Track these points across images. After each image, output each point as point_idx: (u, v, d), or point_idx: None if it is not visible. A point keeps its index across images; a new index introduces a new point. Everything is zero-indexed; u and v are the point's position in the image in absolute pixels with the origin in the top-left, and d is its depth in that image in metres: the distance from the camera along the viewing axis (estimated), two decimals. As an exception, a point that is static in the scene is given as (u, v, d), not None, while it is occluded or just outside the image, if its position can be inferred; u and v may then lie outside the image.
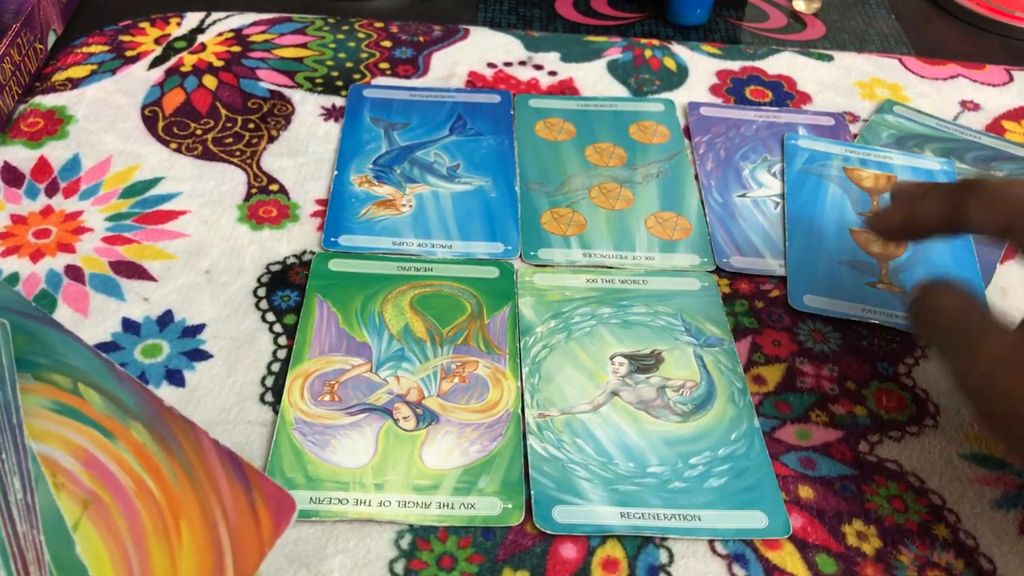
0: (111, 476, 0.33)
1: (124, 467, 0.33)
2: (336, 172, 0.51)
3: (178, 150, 0.52)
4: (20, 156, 0.51)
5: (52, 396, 0.34)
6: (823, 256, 0.49)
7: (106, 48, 0.59)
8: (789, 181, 0.53)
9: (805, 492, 0.39)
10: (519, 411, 0.41)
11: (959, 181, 0.41)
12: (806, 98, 0.60)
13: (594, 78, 0.60)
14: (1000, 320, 0.36)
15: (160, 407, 0.33)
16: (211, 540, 0.31)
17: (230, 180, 0.51)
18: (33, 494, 0.32)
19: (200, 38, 0.60)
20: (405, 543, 0.36)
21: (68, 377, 0.34)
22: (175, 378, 0.41)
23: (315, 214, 0.49)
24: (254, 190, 0.50)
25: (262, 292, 0.45)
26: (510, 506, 0.37)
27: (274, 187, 0.51)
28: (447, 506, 0.37)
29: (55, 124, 0.53)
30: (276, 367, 0.42)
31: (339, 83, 0.58)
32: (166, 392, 0.41)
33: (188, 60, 0.58)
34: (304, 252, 0.47)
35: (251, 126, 0.54)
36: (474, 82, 0.59)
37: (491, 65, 0.60)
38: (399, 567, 0.36)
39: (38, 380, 0.34)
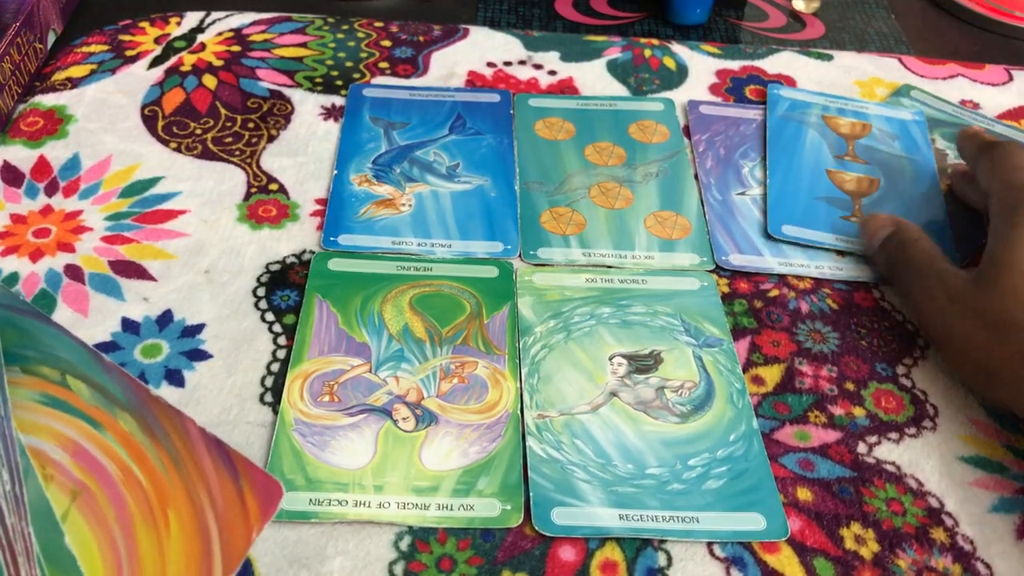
0: (99, 466, 0.33)
1: (112, 457, 0.33)
2: (336, 171, 0.51)
3: (178, 149, 0.52)
4: (20, 156, 0.51)
5: (40, 388, 0.34)
6: (801, 192, 0.52)
7: (106, 48, 0.59)
8: (771, 126, 0.56)
9: (803, 494, 0.39)
10: (518, 412, 0.41)
11: (988, 141, 0.48)
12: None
13: (594, 77, 0.60)
14: (951, 265, 0.44)
15: (147, 396, 0.33)
16: (199, 527, 0.32)
17: (230, 179, 0.51)
18: (22, 486, 0.32)
19: (200, 38, 0.60)
20: (404, 545, 0.36)
21: (56, 369, 0.34)
22: (175, 378, 0.41)
23: (315, 213, 0.49)
24: (254, 189, 0.50)
25: (262, 292, 0.45)
26: (509, 508, 0.37)
27: (274, 187, 0.51)
28: (446, 508, 0.37)
29: (55, 124, 0.53)
30: (276, 367, 0.42)
31: (339, 83, 0.58)
32: (166, 392, 0.41)
33: (188, 60, 0.58)
34: (304, 252, 0.47)
35: (251, 125, 0.54)
36: (474, 81, 0.59)
37: (491, 65, 0.60)
38: (399, 569, 0.36)
39: (26, 373, 0.34)
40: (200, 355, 0.42)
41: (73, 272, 0.45)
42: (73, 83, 0.56)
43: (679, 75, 0.61)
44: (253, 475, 0.32)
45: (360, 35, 0.62)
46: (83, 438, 0.33)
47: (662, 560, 0.37)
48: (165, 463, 0.33)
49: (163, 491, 0.32)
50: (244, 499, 0.32)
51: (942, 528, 0.38)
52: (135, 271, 0.46)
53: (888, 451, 0.41)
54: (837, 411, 0.42)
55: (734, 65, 0.62)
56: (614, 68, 0.61)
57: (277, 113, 0.55)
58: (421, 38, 0.62)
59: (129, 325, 0.43)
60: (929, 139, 0.56)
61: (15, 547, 0.31)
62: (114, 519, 0.32)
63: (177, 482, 0.32)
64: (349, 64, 0.59)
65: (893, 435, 0.41)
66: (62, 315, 0.43)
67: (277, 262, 0.47)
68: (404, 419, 0.40)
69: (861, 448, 0.41)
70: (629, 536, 0.37)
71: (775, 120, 0.56)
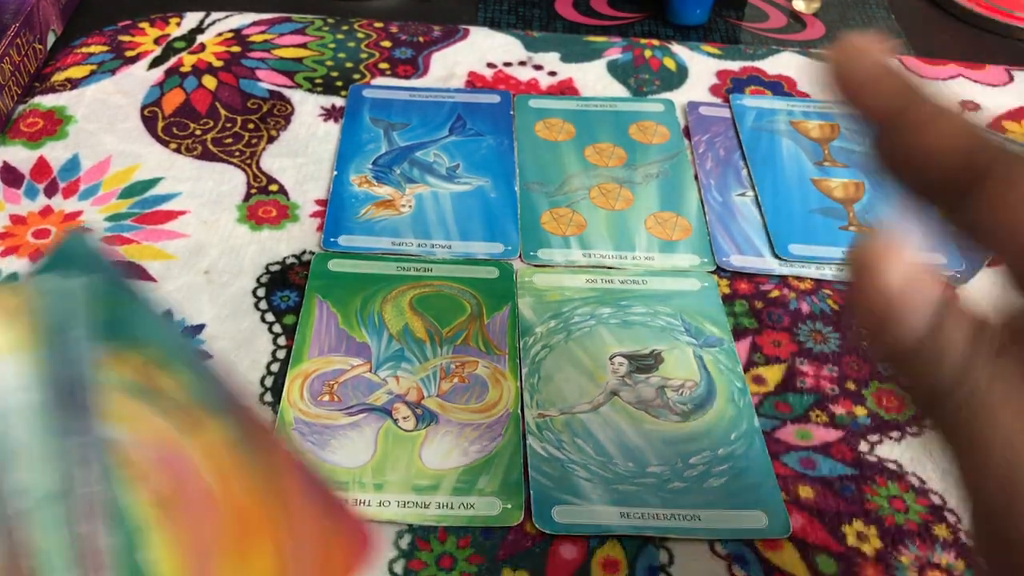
0: (184, 477, 0.27)
1: (197, 469, 0.27)
2: (336, 172, 0.51)
3: (177, 150, 0.52)
4: (19, 156, 0.51)
5: (130, 376, 0.28)
6: (795, 207, 0.52)
7: (106, 48, 0.59)
8: (745, 140, 0.56)
9: (805, 492, 0.39)
10: (518, 411, 0.41)
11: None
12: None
13: (594, 78, 0.60)
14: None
15: (242, 407, 0.28)
16: (278, 565, 0.27)
17: (229, 180, 0.51)
18: (102, 488, 0.27)
19: (199, 38, 0.60)
20: (404, 543, 0.36)
21: (148, 356, 0.28)
22: (174, 378, 0.41)
23: (315, 214, 0.49)
24: (253, 190, 0.50)
25: (261, 292, 0.45)
26: (509, 506, 0.37)
27: (274, 187, 0.51)
28: (446, 506, 0.37)
29: (54, 124, 0.53)
30: (275, 367, 0.42)
31: (339, 83, 0.58)
32: (165, 392, 0.41)
33: (188, 60, 0.58)
34: (304, 252, 0.47)
35: (251, 126, 0.54)
36: (474, 82, 0.59)
37: (491, 65, 0.60)
38: (399, 567, 0.36)
39: (116, 355, 0.28)
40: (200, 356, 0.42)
41: (73, 272, 0.45)
42: (73, 84, 0.56)
43: (679, 76, 0.61)
44: (342, 518, 0.28)
45: (360, 35, 0.62)
46: (168, 444, 0.27)
47: (663, 558, 0.36)
48: (250, 487, 0.28)
49: (244, 517, 0.27)
50: (329, 543, 0.28)
51: (945, 525, 0.38)
52: (135, 272, 0.46)
53: (889, 449, 0.41)
54: (838, 410, 0.42)
55: (734, 66, 0.62)
56: (614, 69, 0.61)
57: (277, 114, 0.55)
58: (421, 39, 0.62)
59: (129, 325, 0.43)
60: None
61: (95, 559, 0.26)
62: (193, 538, 0.27)
63: (260, 510, 0.28)
64: (349, 65, 0.59)
65: (894, 434, 0.41)
66: (62, 315, 0.43)
67: (277, 263, 0.47)
68: (404, 418, 0.40)
69: (863, 447, 0.41)
70: (630, 534, 0.37)
71: (747, 133, 0.56)
